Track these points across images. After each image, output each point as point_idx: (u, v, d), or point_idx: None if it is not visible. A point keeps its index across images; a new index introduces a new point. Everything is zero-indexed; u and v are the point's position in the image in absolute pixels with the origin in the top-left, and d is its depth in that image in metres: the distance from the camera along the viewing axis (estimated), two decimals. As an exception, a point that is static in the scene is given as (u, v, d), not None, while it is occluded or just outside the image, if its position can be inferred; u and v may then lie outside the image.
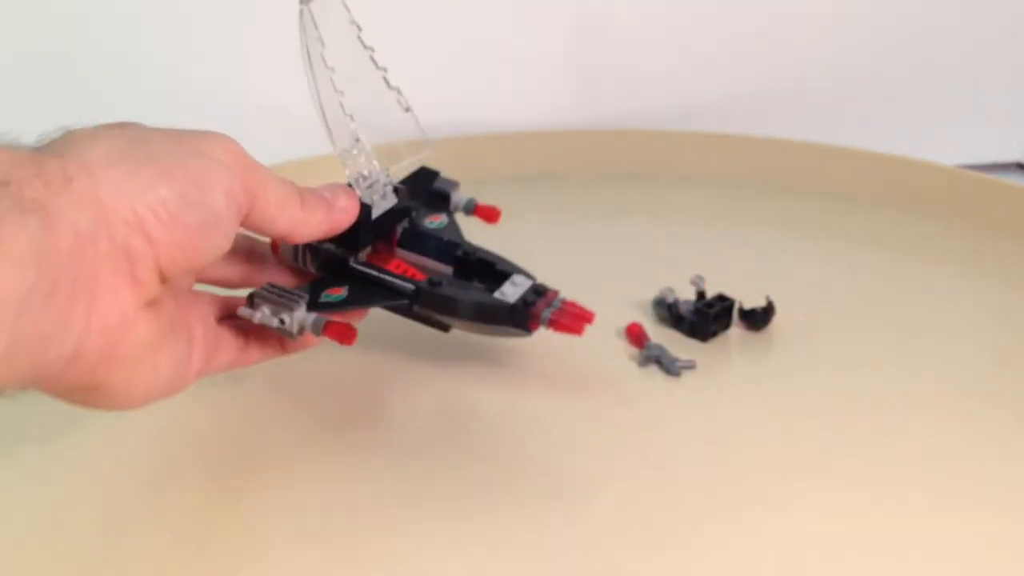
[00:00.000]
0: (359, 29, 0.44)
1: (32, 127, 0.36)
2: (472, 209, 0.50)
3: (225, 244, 0.39)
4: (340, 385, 0.49)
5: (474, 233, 0.50)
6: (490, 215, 0.50)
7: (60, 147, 0.35)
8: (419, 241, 0.47)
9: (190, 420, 0.47)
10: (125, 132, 0.37)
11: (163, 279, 0.37)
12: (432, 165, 0.50)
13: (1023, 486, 0.43)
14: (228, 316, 0.44)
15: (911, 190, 0.68)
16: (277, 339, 0.44)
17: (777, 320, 0.53)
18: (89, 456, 0.45)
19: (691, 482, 0.43)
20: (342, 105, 0.43)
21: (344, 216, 0.43)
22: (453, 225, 0.49)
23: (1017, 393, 0.49)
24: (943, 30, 0.78)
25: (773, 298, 0.53)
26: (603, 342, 0.48)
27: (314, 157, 0.67)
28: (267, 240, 0.46)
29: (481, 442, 0.45)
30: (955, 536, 0.40)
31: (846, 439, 0.45)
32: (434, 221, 0.49)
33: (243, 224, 0.40)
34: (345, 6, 0.44)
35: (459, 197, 0.50)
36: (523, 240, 0.56)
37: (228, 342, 0.43)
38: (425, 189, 0.50)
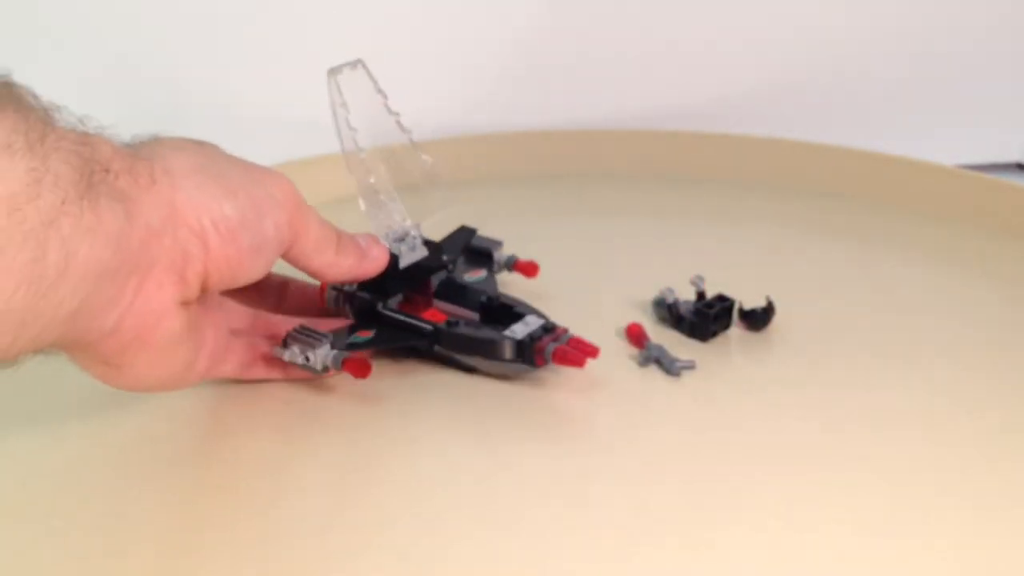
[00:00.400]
0: (385, 97, 0.48)
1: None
2: (512, 265, 0.54)
3: (263, 271, 0.43)
4: (335, 384, 0.49)
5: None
6: (528, 270, 0.54)
7: (149, 151, 0.40)
8: (452, 292, 0.51)
9: (183, 418, 0.47)
10: (202, 149, 0.41)
11: (204, 287, 0.41)
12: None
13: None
14: (245, 332, 0.48)
15: (911, 190, 0.68)
16: (280, 364, 0.47)
17: (777, 320, 0.53)
18: (81, 454, 0.45)
19: (691, 482, 0.43)
20: (364, 163, 0.47)
21: (373, 264, 0.47)
22: (491, 279, 0.53)
23: (1019, 393, 0.49)
24: (942, 29, 0.78)
25: (773, 298, 0.53)
26: (603, 342, 0.48)
27: (314, 157, 0.68)
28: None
29: (479, 442, 0.45)
30: (956, 535, 0.40)
31: (846, 439, 0.45)
32: (474, 276, 0.53)
33: (283, 257, 0.44)
34: (371, 77, 0.48)
35: (500, 255, 0.54)
36: (523, 240, 0.56)
37: (235, 355, 0.47)
38: (466, 246, 0.54)
